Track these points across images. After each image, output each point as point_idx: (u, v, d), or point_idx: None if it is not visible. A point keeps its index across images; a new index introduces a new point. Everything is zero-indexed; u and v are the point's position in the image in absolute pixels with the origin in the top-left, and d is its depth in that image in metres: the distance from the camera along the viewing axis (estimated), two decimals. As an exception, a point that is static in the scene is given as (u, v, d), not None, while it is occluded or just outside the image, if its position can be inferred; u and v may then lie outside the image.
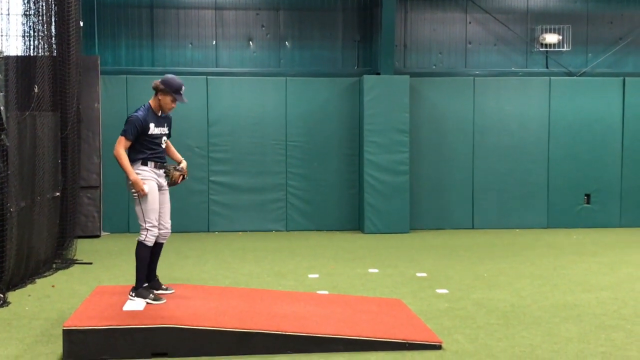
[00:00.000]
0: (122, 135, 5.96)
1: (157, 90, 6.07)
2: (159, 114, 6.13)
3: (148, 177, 6.03)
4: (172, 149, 6.52)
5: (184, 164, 6.38)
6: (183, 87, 6.11)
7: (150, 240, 6.01)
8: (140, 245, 6.01)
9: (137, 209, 6.03)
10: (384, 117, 12.63)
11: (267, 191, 13.00)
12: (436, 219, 13.33)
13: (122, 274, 8.76)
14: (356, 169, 13.13)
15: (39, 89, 8.57)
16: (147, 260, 6.08)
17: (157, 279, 6.37)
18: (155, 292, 6.16)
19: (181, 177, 6.29)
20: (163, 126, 6.15)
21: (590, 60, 13.92)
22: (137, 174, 5.99)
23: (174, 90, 6.03)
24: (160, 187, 6.15)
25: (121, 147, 5.96)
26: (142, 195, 5.95)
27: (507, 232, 12.95)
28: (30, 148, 8.31)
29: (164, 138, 6.19)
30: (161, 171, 6.17)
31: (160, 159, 6.14)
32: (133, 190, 6.01)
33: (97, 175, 12.30)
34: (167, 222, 6.24)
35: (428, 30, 13.71)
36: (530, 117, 13.35)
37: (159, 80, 6.09)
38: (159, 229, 6.13)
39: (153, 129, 6.03)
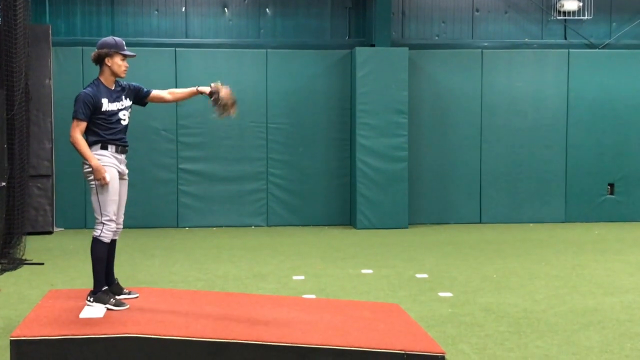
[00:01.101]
0: (73, 117, 5.93)
1: (99, 59, 6.01)
2: (113, 88, 6.08)
3: (108, 164, 5.98)
4: (177, 91, 6.49)
5: (214, 86, 6.45)
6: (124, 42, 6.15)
7: (106, 236, 5.98)
8: (96, 242, 5.99)
9: (94, 199, 6.00)
10: (379, 95, 12.63)
11: (245, 181, 12.99)
12: (439, 212, 13.37)
13: (79, 276, 8.73)
14: (347, 155, 13.14)
15: (-19, 62, 8.50)
16: (105, 259, 6.06)
17: (117, 282, 6.35)
18: (117, 297, 6.15)
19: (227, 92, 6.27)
20: (120, 100, 6.08)
21: (614, 31, 13.97)
22: (97, 159, 5.95)
23: (118, 47, 6.02)
24: (120, 176, 6.12)
25: (76, 132, 5.91)
26: (103, 184, 5.92)
27: (519, 227, 13.01)
28: (-29, 131, 8.25)
29: (124, 113, 6.11)
30: (122, 156, 6.13)
31: (121, 140, 6.08)
32: (91, 178, 5.97)
33: (49, 163, 12.24)
34: (121, 217, 6.21)
35: (430, -5, 13.73)
36: (546, 95, 13.40)
37: (96, 50, 6.05)
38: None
39: (107, 105, 5.97)
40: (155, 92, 6.34)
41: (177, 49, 12.85)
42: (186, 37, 13.34)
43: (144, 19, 13.27)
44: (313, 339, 5.55)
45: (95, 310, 5.88)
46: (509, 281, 8.47)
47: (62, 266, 9.44)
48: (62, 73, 12.51)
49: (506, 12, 13.88)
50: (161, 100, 6.42)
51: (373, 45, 12.88)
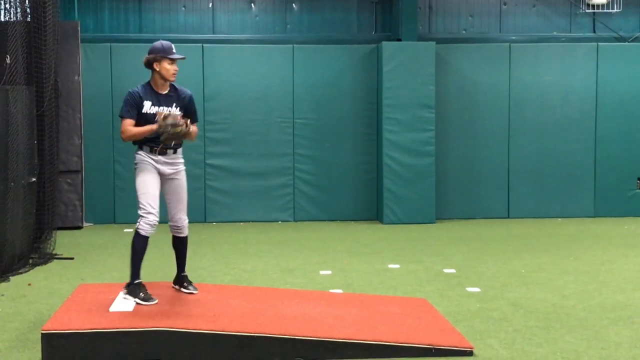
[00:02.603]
0: (119, 116, 6.11)
1: (149, 63, 6.13)
2: (164, 92, 6.15)
3: (143, 161, 6.11)
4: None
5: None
6: (173, 45, 6.22)
7: (144, 229, 6.05)
8: (136, 234, 6.10)
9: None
10: (406, 90, 12.58)
11: (271, 176, 13.01)
12: (466, 207, 13.31)
13: (108, 270, 8.81)
14: (374, 150, 13.12)
15: (11, 59, 8.58)
16: (142, 252, 6.15)
17: (184, 275, 6.60)
18: (177, 287, 6.51)
19: (176, 123, 5.95)
20: (166, 105, 6.12)
21: (644, 24, 13.83)
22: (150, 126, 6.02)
23: (165, 52, 6.12)
24: (165, 175, 6.16)
25: (123, 130, 6.04)
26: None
27: (547, 221, 12.92)
28: (1, 127, 8.34)
29: None
30: (160, 157, 6.15)
31: (156, 143, 6.12)
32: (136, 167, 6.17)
33: (78, 158, 12.34)
34: (177, 215, 6.30)
35: (457, -11, 13.67)
36: (575, 89, 13.28)
37: (147, 54, 6.18)
38: (170, 222, 6.33)
39: (148, 108, 6.06)
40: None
41: (204, 44, 12.89)
42: (213, 33, 13.39)
43: (171, 15, 13.34)
44: (341, 334, 5.56)
45: (124, 304, 5.94)
46: (538, 276, 8.42)
47: (92, 261, 9.52)
48: (91, 69, 12.61)
49: (534, 6, 13.77)
50: None
51: (400, 40, 12.84)
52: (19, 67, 8.81)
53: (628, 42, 13.61)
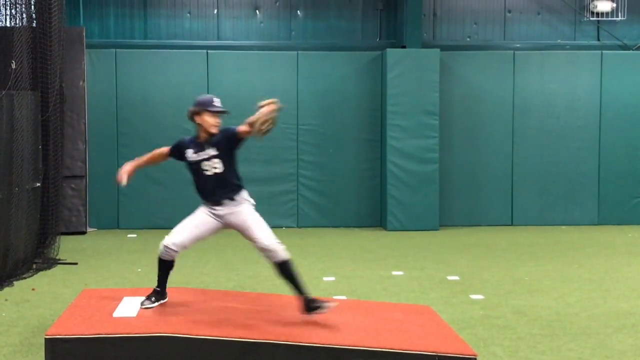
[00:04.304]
0: None
1: (192, 117, 6.19)
2: (202, 140, 6.18)
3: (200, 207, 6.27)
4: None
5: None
6: (214, 97, 6.23)
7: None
8: None
9: None
10: (410, 96, 12.59)
11: (275, 182, 13.01)
12: (470, 214, 13.30)
13: (111, 276, 8.81)
14: (378, 156, 13.12)
15: (17, 64, 8.60)
16: (161, 269, 6.38)
17: (305, 298, 6.25)
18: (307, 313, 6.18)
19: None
20: (202, 150, 6.17)
21: (648, 32, 13.83)
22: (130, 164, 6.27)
23: (205, 104, 6.15)
24: (215, 217, 6.33)
25: (158, 149, 6.48)
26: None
27: (551, 229, 12.90)
28: (7, 132, 8.35)
29: (206, 164, 6.18)
30: (215, 207, 6.29)
31: (207, 193, 6.24)
32: None
33: (83, 164, 12.35)
34: (252, 240, 6.74)
35: (461, -4, 13.68)
36: (579, 97, 13.27)
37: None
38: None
39: (190, 155, 6.19)
40: (242, 127, 6.21)
41: (209, 51, 12.91)
42: (218, 39, 13.40)
43: (176, 21, 13.36)
44: (344, 340, 5.55)
45: (128, 310, 5.95)
46: (541, 284, 8.41)
47: (95, 266, 9.53)
48: (96, 75, 12.62)
49: (538, 13, 13.77)
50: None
51: (404, 47, 12.85)
52: (24, 72, 8.83)
53: (632, 50, 13.60)
